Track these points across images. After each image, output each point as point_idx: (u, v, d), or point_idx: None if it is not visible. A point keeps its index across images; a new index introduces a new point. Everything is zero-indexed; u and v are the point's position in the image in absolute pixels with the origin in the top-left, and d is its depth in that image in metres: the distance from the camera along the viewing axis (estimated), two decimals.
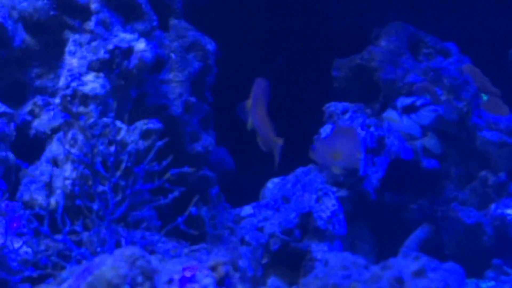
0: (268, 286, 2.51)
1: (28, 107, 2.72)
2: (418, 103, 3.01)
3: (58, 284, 1.79)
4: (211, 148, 2.84)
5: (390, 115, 2.97)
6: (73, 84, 2.48)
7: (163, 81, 2.79)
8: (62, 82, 2.51)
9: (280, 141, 2.37)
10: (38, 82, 2.75)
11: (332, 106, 3.22)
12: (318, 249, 2.60)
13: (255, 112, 2.43)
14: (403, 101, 3.06)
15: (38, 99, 2.72)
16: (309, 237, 2.67)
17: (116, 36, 2.61)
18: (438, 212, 3.06)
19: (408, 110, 3.01)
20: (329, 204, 2.74)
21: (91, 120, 2.40)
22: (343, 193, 3.02)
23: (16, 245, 2.10)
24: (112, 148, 2.09)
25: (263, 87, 2.46)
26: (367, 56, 3.31)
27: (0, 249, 2.08)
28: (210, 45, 2.93)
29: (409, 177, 3.11)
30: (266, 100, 2.44)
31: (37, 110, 2.71)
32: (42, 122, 2.66)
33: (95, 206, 2.05)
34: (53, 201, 2.33)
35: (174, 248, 2.29)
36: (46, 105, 2.71)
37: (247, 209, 2.78)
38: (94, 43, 2.58)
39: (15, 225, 2.24)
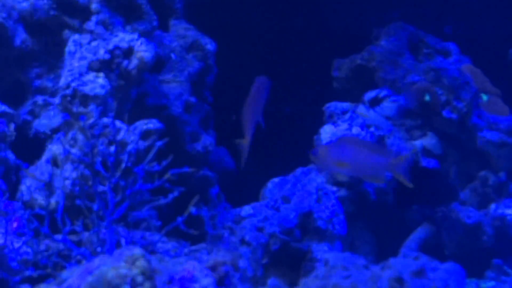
0: (268, 286, 2.50)
1: (28, 107, 2.72)
2: (381, 95, 3.02)
3: (58, 284, 1.79)
4: (211, 148, 2.84)
5: (361, 110, 2.97)
6: (73, 84, 2.48)
7: (163, 81, 2.79)
8: (62, 82, 2.52)
9: (245, 142, 2.35)
10: (38, 82, 2.75)
11: (332, 106, 3.21)
12: (318, 249, 2.60)
13: (245, 111, 2.41)
14: (369, 94, 3.07)
15: (38, 99, 2.72)
16: (309, 237, 2.67)
17: (116, 36, 2.61)
18: (439, 213, 3.06)
19: (374, 103, 3.01)
20: (329, 204, 2.73)
21: (91, 120, 2.40)
22: (343, 193, 3.01)
23: (16, 245, 2.10)
24: (112, 148, 2.08)
25: (261, 86, 2.45)
26: (367, 56, 3.31)
27: (0, 249, 2.08)
28: (210, 45, 2.93)
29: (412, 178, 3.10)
30: (261, 99, 2.43)
31: (37, 110, 2.71)
32: (42, 122, 2.66)
33: (95, 206, 2.05)
34: (53, 201, 2.33)
35: (174, 248, 2.29)
36: (46, 105, 2.71)
37: (247, 209, 2.78)
38: (94, 43, 2.59)
39: (15, 225, 2.24)
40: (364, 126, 3.13)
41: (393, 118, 3.03)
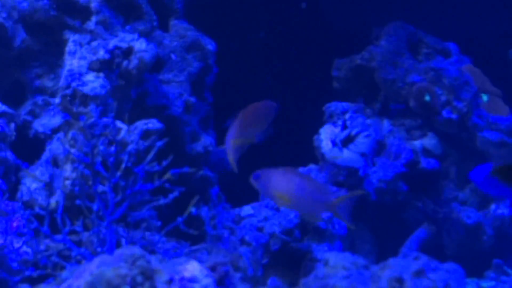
0: (268, 286, 2.50)
1: (28, 107, 2.72)
2: (353, 132, 3.03)
3: (58, 284, 1.79)
4: (211, 148, 2.84)
5: (334, 153, 2.99)
6: (73, 84, 2.48)
7: (163, 81, 2.79)
8: (62, 82, 2.52)
9: (236, 142, 2.26)
10: (38, 82, 2.75)
11: (332, 106, 3.21)
12: (318, 249, 2.60)
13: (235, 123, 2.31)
14: (339, 135, 3.08)
15: (38, 99, 2.72)
16: (309, 237, 2.67)
17: (116, 36, 2.61)
18: (440, 214, 3.06)
19: (346, 142, 3.02)
20: None
21: (91, 120, 2.40)
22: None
23: (16, 245, 2.10)
24: (112, 148, 2.08)
25: (266, 110, 2.35)
26: (367, 56, 3.31)
27: (0, 249, 2.08)
28: (210, 45, 2.93)
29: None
30: (257, 118, 2.33)
31: (37, 110, 2.71)
32: (42, 122, 2.66)
33: (95, 206, 2.05)
34: (53, 201, 2.33)
35: (174, 248, 2.29)
36: (46, 105, 2.71)
37: (247, 209, 2.78)
38: (94, 43, 2.59)
39: (15, 225, 2.24)
40: (364, 126, 3.13)
41: (368, 154, 3.05)
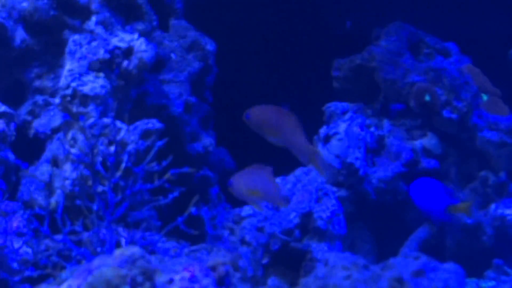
0: (268, 286, 2.50)
1: (28, 107, 2.72)
2: (331, 132, 3.03)
3: (58, 284, 1.79)
4: (211, 148, 2.84)
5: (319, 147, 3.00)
6: (73, 84, 2.48)
7: (163, 81, 2.79)
8: (62, 82, 2.52)
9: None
10: (38, 82, 2.75)
11: (332, 106, 3.21)
12: (318, 249, 2.60)
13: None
14: (322, 131, 3.09)
15: (38, 99, 2.72)
16: (309, 237, 2.67)
17: (116, 36, 2.61)
18: None
19: (326, 140, 3.03)
20: (329, 204, 2.73)
21: (91, 120, 2.40)
22: (343, 193, 3.01)
23: (16, 245, 2.10)
24: (112, 148, 2.08)
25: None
26: (367, 56, 3.31)
27: (0, 249, 2.08)
28: (210, 45, 2.93)
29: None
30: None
31: (37, 110, 2.71)
32: (42, 122, 2.66)
33: (95, 206, 2.05)
34: (53, 201, 2.33)
35: (174, 248, 2.29)
36: (46, 105, 2.71)
37: (247, 209, 2.77)
38: (94, 43, 2.58)
39: (15, 225, 2.24)
40: (363, 126, 3.14)
41: (341, 156, 3.04)
